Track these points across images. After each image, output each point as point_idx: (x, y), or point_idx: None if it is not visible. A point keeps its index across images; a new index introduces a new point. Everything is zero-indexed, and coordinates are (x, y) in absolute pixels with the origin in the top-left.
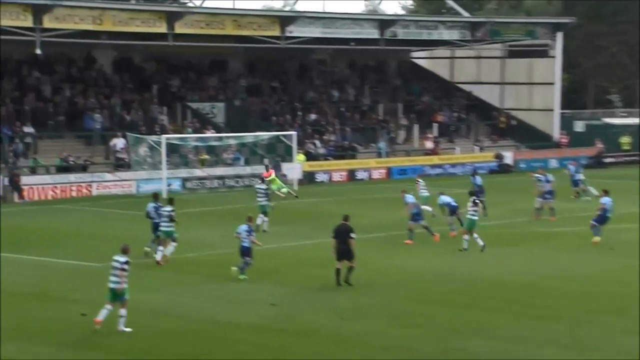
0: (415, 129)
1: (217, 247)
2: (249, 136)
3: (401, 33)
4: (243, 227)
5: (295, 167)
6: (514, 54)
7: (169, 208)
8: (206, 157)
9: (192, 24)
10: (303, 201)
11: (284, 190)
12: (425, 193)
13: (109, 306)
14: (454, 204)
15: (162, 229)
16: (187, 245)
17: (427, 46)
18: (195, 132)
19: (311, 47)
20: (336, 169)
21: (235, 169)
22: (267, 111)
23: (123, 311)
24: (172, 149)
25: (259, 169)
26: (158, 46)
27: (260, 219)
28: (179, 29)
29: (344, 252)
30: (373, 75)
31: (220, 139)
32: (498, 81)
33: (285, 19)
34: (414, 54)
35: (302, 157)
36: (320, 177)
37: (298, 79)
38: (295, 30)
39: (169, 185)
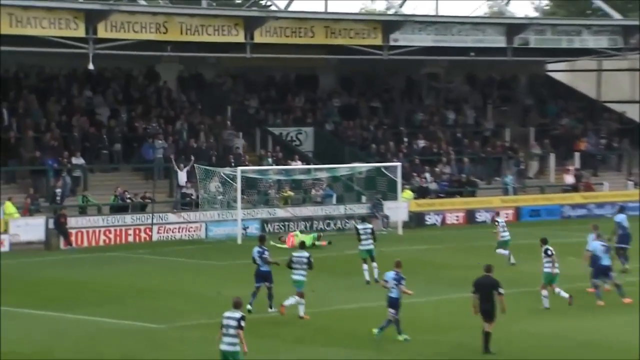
0: (552, 159)
1: (310, 304)
2: (343, 168)
3: (534, 40)
4: (391, 274)
5: (400, 207)
6: None
7: (305, 254)
8: (290, 194)
9: (275, 31)
10: (410, 248)
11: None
12: (506, 237)
13: None
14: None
15: (294, 277)
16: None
17: (567, 56)
18: (277, 163)
19: (421, 58)
20: (451, 209)
21: (325, 209)
22: (365, 138)
23: None
24: (249, 184)
25: (356, 209)
26: (234, 59)
27: (366, 269)
28: (259, 37)
29: (489, 311)
30: (498, 92)
31: (308, 171)
32: None
33: (389, 25)
34: (551, 66)
35: (408, 194)
36: (431, 219)
37: (404, 97)
38: (401, 39)
39: (245, 228)
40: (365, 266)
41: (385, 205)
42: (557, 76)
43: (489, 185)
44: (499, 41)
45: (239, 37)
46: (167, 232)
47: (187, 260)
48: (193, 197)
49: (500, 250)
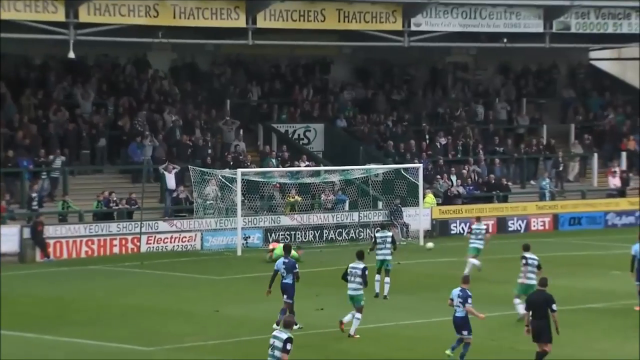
0: (595, 159)
1: (315, 325)
2: (358, 170)
3: (575, 24)
4: (455, 292)
5: (422, 214)
6: None
7: (361, 265)
8: (297, 199)
9: (280, 15)
10: (433, 261)
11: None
12: (477, 244)
13: None
14: None
15: (350, 292)
16: (270, 323)
17: (614, 43)
18: (282, 164)
19: (446, 45)
20: (480, 217)
21: (337, 216)
22: (383, 135)
23: None
24: (250, 187)
25: (371, 216)
26: (234, 46)
27: (378, 279)
28: (263, 22)
29: (542, 330)
30: (534, 84)
31: (317, 173)
32: None
33: (410, 7)
34: (594, 54)
35: (431, 199)
36: (457, 228)
37: (427, 90)
38: (424, 23)
39: (245, 238)
40: (377, 277)
41: (405, 212)
42: (601, 65)
43: (523, 190)
44: (536, 25)
45: (240, 22)
46: (157, 243)
47: (181, 274)
48: (188, 202)
49: (472, 260)
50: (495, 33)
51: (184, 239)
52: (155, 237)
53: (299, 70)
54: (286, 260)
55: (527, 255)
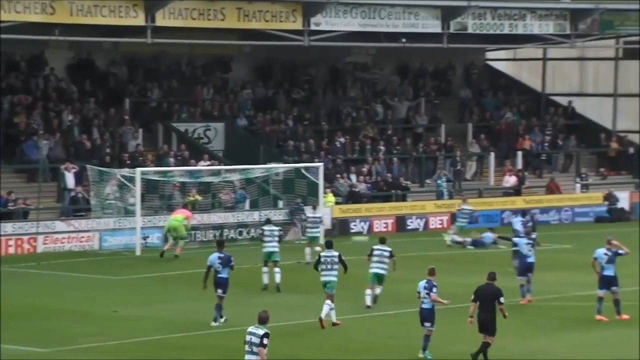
0: (491, 158)
1: (218, 326)
2: (258, 169)
3: (472, 25)
4: (422, 284)
5: (323, 213)
6: (632, 54)
7: (335, 253)
8: (197, 198)
9: (179, 13)
10: None
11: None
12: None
13: None
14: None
15: (324, 278)
16: (169, 323)
17: (510, 43)
18: (182, 163)
19: (346, 44)
20: (379, 215)
21: (238, 215)
22: (283, 134)
23: None
24: (150, 187)
25: (272, 216)
26: (132, 44)
27: (266, 271)
28: (162, 20)
29: (487, 322)
30: (432, 84)
31: (217, 173)
32: (610, 92)
33: (310, 7)
34: (491, 55)
35: (331, 198)
36: (357, 226)
37: (327, 89)
38: (324, 22)
39: (144, 238)
40: (265, 269)
41: (305, 211)
42: (497, 66)
43: (421, 189)
44: (434, 26)
45: (139, 20)
46: (54, 243)
47: (79, 274)
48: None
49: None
50: (393, 33)
51: (82, 239)
52: (52, 237)
53: (199, 69)
54: (221, 255)
55: (380, 247)
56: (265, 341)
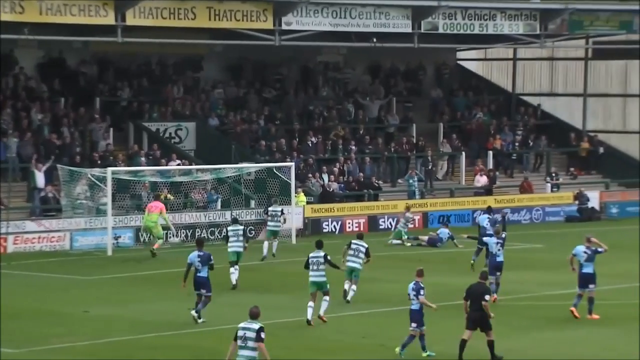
0: (462, 158)
1: (190, 326)
2: (230, 169)
3: (443, 25)
4: (410, 285)
5: (294, 212)
6: (602, 54)
7: (321, 254)
8: (169, 197)
9: (150, 12)
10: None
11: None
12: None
13: None
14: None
15: (313, 279)
16: (141, 324)
17: (480, 43)
18: (153, 163)
19: (317, 44)
20: (351, 215)
21: (209, 215)
22: (254, 134)
23: None
24: (121, 186)
25: (244, 216)
26: (103, 43)
27: (233, 272)
28: (132, 19)
29: (478, 319)
30: (403, 84)
31: (188, 172)
32: (579, 92)
33: (281, 6)
34: (461, 55)
35: (302, 198)
36: (329, 226)
37: (299, 89)
38: (295, 22)
39: (116, 238)
40: (232, 269)
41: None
42: (468, 65)
43: (392, 188)
44: (404, 26)
45: (109, 19)
46: (25, 243)
47: (50, 275)
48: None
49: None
50: (364, 33)
51: (52, 239)
52: (22, 237)
53: (170, 68)
54: (201, 254)
55: (357, 242)
56: (262, 335)
